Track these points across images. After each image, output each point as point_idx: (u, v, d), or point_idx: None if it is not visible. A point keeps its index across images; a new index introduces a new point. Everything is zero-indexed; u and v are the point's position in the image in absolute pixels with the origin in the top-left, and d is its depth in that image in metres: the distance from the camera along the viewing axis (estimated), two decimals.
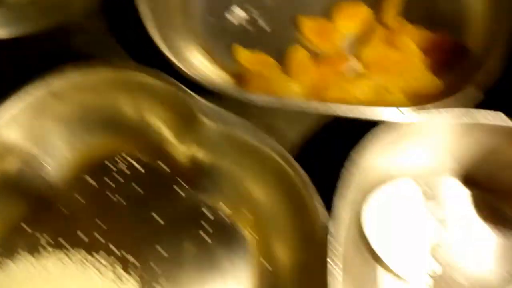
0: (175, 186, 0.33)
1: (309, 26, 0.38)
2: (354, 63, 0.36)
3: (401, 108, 0.30)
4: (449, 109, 0.30)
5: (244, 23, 0.39)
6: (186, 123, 0.32)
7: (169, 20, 0.36)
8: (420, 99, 0.33)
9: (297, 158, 0.30)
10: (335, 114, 0.31)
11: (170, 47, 0.33)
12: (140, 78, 0.31)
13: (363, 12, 0.38)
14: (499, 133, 0.29)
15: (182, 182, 0.33)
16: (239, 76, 0.36)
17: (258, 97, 0.32)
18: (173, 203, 0.33)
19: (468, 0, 0.38)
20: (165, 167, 0.34)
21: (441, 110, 0.30)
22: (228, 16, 0.39)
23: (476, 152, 0.31)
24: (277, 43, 0.38)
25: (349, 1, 0.38)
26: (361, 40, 0.37)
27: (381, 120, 0.30)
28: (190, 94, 0.31)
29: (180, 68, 0.32)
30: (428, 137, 0.30)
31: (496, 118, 0.29)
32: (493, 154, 0.31)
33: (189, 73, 0.32)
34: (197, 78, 0.32)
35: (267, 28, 0.39)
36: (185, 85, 0.31)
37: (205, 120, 0.31)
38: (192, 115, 0.31)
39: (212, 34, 0.39)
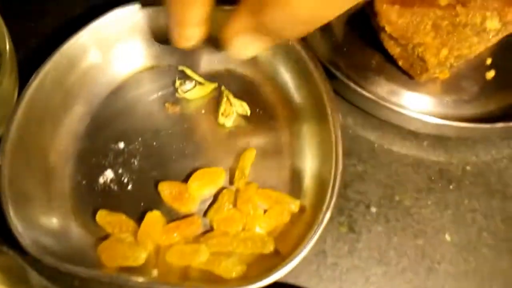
0: None
1: (166, 190, 0.42)
2: (201, 225, 0.40)
3: None
4: None
5: (113, 186, 0.43)
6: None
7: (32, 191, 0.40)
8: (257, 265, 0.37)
9: None
10: None
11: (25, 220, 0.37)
12: None
13: (217, 177, 0.42)
14: None
15: None
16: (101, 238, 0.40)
17: (84, 271, 0.36)
18: None
19: None
20: None
21: None
22: (100, 179, 0.43)
23: None
24: (141, 205, 0.42)
25: (207, 168, 0.43)
26: (213, 203, 0.41)
27: None
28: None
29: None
30: None
31: None
32: None
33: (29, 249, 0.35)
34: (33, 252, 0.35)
35: (133, 191, 0.43)
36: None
37: None
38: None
39: (80, 197, 0.42)
